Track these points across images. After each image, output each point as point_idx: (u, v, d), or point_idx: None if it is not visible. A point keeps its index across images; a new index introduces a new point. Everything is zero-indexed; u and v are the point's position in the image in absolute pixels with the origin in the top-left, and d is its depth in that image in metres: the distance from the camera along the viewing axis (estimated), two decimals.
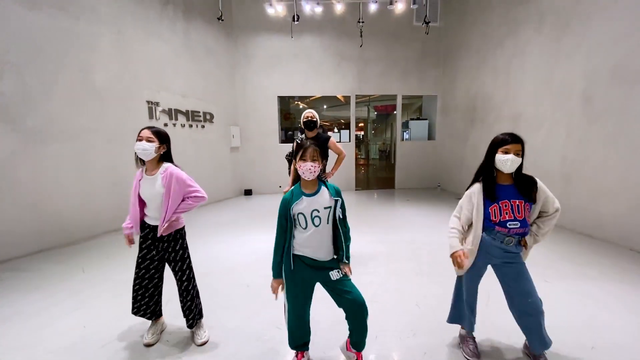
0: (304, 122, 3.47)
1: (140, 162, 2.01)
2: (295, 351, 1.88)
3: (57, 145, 4.13)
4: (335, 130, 9.87)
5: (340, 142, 8.35)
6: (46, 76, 3.99)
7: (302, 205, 1.64)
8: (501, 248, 1.76)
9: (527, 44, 5.30)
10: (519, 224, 1.71)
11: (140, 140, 1.91)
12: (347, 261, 1.74)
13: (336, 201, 1.68)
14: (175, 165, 2.04)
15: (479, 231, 1.78)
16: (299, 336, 1.82)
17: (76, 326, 2.34)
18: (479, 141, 6.67)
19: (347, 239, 1.74)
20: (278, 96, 7.93)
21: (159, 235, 1.97)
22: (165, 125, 5.67)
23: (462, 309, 1.97)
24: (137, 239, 2.12)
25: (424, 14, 6.78)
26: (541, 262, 3.34)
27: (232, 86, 7.60)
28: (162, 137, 1.99)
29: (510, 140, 1.69)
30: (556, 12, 4.71)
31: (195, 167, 6.10)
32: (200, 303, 2.19)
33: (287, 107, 12.31)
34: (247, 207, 6.66)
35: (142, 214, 2.06)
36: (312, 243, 1.68)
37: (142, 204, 2.03)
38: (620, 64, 3.84)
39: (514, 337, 2.04)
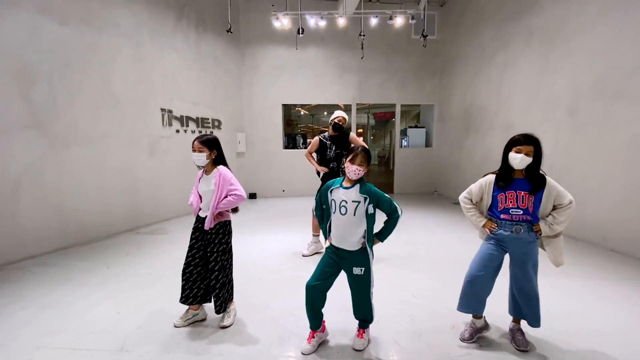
0: (334, 122, 3.75)
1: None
2: (310, 330, 2.13)
3: (79, 150, 4.43)
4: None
5: None
6: (72, 86, 4.31)
7: (337, 194, 1.98)
8: (515, 239, 1.98)
9: (517, 58, 5.67)
10: (522, 212, 1.95)
11: (194, 151, 2.29)
12: (379, 238, 2.02)
13: (365, 198, 1.92)
14: (227, 167, 2.38)
15: (484, 210, 2.12)
16: (312, 312, 2.06)
17: (110, 312, 2.62)
18: (474, 148, 7.02)
19: (393, 216, 2.00)
20: (282, 104, 8.28)
21: (206, 228, 2.28)
22: (177, 131, 5.99)
23: (465, 291, 2.12)
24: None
25: (421, 28, 7.16)
26: None
27: (239, 94, 7.95)
28: (211, 144, 2.33)
29: (523, 142, 1.92)
30: (544, 30, 5.09)
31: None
32: (227, 293, 2.39)
33: (288, 113, 12.69)
34: (252, 209, 6.96)
35: (198, 207, 2.40)
36: (338, 229, 1.99)
37: (199, 199, 2.39)
38: (601, 79, 4.20)
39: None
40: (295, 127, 14.50)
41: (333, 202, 2.00)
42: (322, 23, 7.22)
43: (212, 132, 6.92)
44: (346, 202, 1.95)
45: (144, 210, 5.40)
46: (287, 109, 10.17)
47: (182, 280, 2.38)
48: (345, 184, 2.01)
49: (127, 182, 5.13)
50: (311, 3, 7.69)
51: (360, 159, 1.93)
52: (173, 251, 4.08)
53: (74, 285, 3.14)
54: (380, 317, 2.49)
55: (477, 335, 2.20)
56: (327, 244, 2.11)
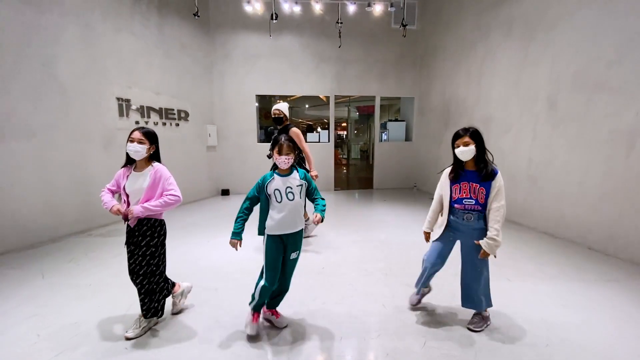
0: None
1: (129, 161, 2.18)
2: (253, 312, 2.19)
3: (15, 143, 3.91)
4: (319, 129, 9.88)
5: (320, 142, 8.36)
6: (5, 69, 3.77)
7: (277, 183, 2.06)
8: (466, 226, 2.14)
9: (497, 49, 5.48)
10: (474, 202, 2.10)
11: (132, 141, 2.09)
12: (320, 213, 2.13)
13: (305, 183, 2.13)
14: (162, 164, 2.23)
15: (446, 203, 2.22)
16: (262, 298, 2.16)
17: (29, 334, 2.23)
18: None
19: (322, 200, 2.20)
20: (256, 95, 7.84)
21: (126, 222, 2.11)
22: (137, 122, 5.49)
23: (423, 271, 2.38)
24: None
25: (401, 17, 6.87)
26: (505, 262, 3.47)
27: (209, 84, 7.45)
28: (152, 138, 2.18)
29: (462, 134, 2.09)
30: (524, 20, 4.89)
31: (168, 166, 5.90)
32: (151, 303, 2.20)
33: (268, 106, 12.22)
34: (223, 207, 6.55)
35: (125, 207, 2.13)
36: (287, 215, 2.04)
37: (126, 198, 2.15)
38: (580, 72, 4.03)
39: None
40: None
41: (277, 191, 2.05)
42: (297, 8, 6.83)
43: (177, 125, 6.45)
44: (291, 188, 2.07)
45: (98, 210, 4.90)
46: (266, 101, 9.72)
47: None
48: (280, 172, 2.11)
49: (77, 179, 4.63)
50: None
51: (286, 149, 2.05)
52: (123, 255, 3.65)
53: None
54: (344, 333, 2.21)
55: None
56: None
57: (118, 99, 5.16)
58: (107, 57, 4.99)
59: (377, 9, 6.77)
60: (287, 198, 2.05)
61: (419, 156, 8.42)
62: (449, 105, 6.97)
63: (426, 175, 8.10)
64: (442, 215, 2.29)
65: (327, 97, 8.32)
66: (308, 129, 11.60)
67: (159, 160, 2.25)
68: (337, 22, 7.07)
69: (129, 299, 2.63)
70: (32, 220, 4.10)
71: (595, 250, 3.83)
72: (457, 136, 2.11)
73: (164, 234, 2.24)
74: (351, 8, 6.87)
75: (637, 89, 3.43)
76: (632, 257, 3.46)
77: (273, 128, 8.49)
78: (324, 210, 2.14)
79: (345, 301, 2.68)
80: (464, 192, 2.12)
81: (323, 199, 2.21)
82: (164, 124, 6.07)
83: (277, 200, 2.05)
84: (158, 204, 2.07)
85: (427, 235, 2.39)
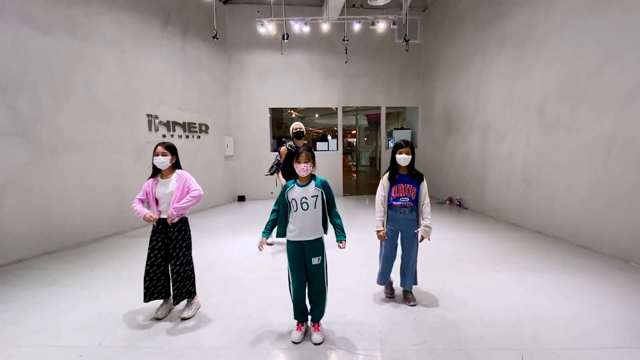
0: (293, 132, 4.36)
1: (155, 171, 2.60)
2: (296, 322, 2.32)
3: (65, 156, 4.54)
4: (330, 137, 10.39)
5: (329, 150, 8.86)
6: (57, 93, 4.42)
7: (295, 193, 2.21)
8: (403, 217, 2.69)
9: (492, 62, 5.89)
10: (408, 199, 2.68)
11: (157, 155, 2.52)
12: (341, 239, 2.28)
13: (321, 192, 2.22)
14: (183, 170, 2.68)
15: (386, 201, 2.71)
16: (301, 305, 2.30)
17: (92, 311, 2.74)
18: (455, 149, 7.22)
19: (337, 219, 2.29)
20: (269, 108, 8.43)
21: (169, 222, 2.49)
22: (164, 136, 6.11)
23: (382, 268, 2.82)
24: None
25: (404, 32, 7.36)
26: (498, 257, 3.84)
27: (226, 99, 8.09)
28: (172, 150, 2.60)
29: (403, 145, 2.65)
30: (515, 36, 5.31)
31: (191, 174, 6.54)
32: (191, 285, 2.63)
33: (279, 116, 12.83)
34: (240, 212, 7.08)
35: (156, 212, 2.59)
36: (300, 223, 2.19)
37: (156, 203, 2.58)
38: (565, 83, 4.41)
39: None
40: (287, 130, 14.65)
41: (294, 201, 2.21)
42: (307, 29, 7.40)
43: (199, 137, 7.06)
44: (306, 198, 2.19)
45: (131, 215, 5.48)
46: (278, 111, 10.33)
47: (145, 281, 2.56)
48: (300, 182, 2.25)
49: (113, 187, 5.23)
50: (295, 9, 7.87)
51: (304, 158, 2.19)
52: None
53: (58, 287, 3.25)
54: (347, 312, 2.64)
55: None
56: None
57: (148, 115, 5.80)
58: (139, 78, 5.64)
59: (381, 26, 7.27)
60: (302, 208, 2.18)
61: (424, 162, 8.78)
62: (451, 114, 7.37)
63: (430, 180, 8.43)
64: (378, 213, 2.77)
65: (336, 107, 8.84)
66: (322, 137, 12.12)
67: (179, 168, 2.68)
68: (344, 40, 7.61)
69: None
70: (77, 223, 4.69)
71: (584, 247, 4.14)
72: (399, 146, 2.66)
73: (190, 229, 2.71)
74: (356, 26, 7.40)
75: (613, 100, 3.79)
76: (616, 252, 3.77)
77: (284, 140, 9.06)
78: (342, 233, 2.28)
79: (351, 287, 3.11)
80: (401, 192, 2.68)
81: (339, 217, 2.30)
82: (187, 136, 6.69)
83: (293, 209, 2.21)
84: (185, 201, 2.51)
85: (384, 233, 2.72)
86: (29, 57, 4.11)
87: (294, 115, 14.20)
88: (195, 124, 6.92)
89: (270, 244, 4.40)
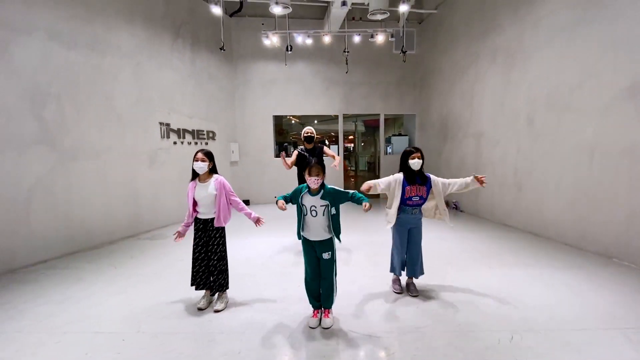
0: (304, 136, 4.54)
1: (195, 175, 2.86)
2: (312, 309, 2.61)
3: (85, 163, 4.82)
4: (327, 143, 10.76)
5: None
6: (79, 104, 4.72)
7: (307, 200, 2.46)
8: (412, 217, 3.02)
9: (485, 74, 6.28)
10: (419, 197, 3.00)
11: (197, 160, 2.80)
12: (364, 201, 2.48)
13: (327, 204, 2.45)
14: (221, 176, 2.94)
15: (397, 201, 2.97)
16: (314, 292, 2.58)
17: (123, 303, 3.02)
18: (451, 154, 7.58)
19: (356, 194, 2.52)
20: (273, 115, 8.77)
21: (220, 225, 2.84)
22: (175, 143, 6.41)
23: (395, 262, 3.13)
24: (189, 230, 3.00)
25: (401, 44, 7.76)
26: (491, 255, 4.17)
27: (232, 107, 8.43)
28: (210, 156, 2.87)
29: (414, 152, 2.98)
30: (505, 49, 5.70)
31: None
32: (224, 279, 2.93)
33: (279, 122, 13.18)
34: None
35: (195, 212, 2.89)
36: (311, 227, 2.48)
37: (194, 205, 2.87)
38: (551, 95, 4.79)
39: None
40: (287, 135, 15.01)
41: (304, 206, 2.48)
42: (309, 41, 7.78)
43: (207, 143, 7.36)
44: (315, 207, 2.45)
45: (144, 218, 5.78)
46: (279, 118, 10.66)
47: (194, 267, 2.90)
48: (311, 191, 2.48)
49: (129, 192, 5.51)
50: (299, 22, 8.26)
51: (315, 171, 2.40)
52: (173, 253, 4.47)
53: (86, 284, 3.51)
54: (358, 305, 2.94)
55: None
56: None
57: (160, 123, 6.10)
58: (152, 89, 5.96)
59: (380, 38, 7.67)
60: (311, 215, 2.44)
61: None
62: (447, 122, 7.75)
63: None
64: (390, 209, 3.05)
65: (336, 115, 9.20)
66: (321, 143, 12.48)
67: (216, 172, 2.94)
68: (344, 51, 8.00)
69: (184, 283, 3.38)
70: (96, 226, 4.96)
71: (570, 246, 4.48)
72: (410, 152, 2.98)
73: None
74: (356, 38, 7.80)
75: (593, 110, 4.16)
76: (598, 249, 4.11)
77: (286, 146, 9.40)
78: (365, 198, 2.47)
79: (358, 281, 3.41)
80: (414, 192, 2.98)
81: (358, 194, 2.52)
82: (196, 143, 6.99)
83: (304, 214, 2.49)
84: (244, 208, 2.95)
85: (367, 186, 2.99)
86: (55, 70, 4.41)
87: (293, 122, 14.56)
88: (203, 131, 7.23)
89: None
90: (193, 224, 2.93)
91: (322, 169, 2.42)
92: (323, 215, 2.45)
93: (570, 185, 4.51)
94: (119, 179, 5.35)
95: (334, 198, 2.47)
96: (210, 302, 2.95)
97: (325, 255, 2.50)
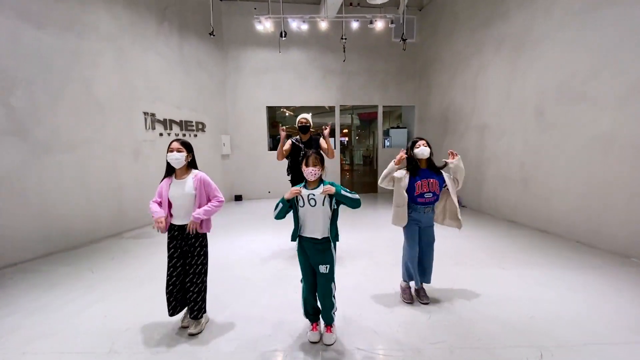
0: (299, 125, 3.93)
1: (169, 170, 2.37)
2: (310, 322, 2.32)
3: (61, 155, 4.40)
4: (334, 126, 10.37)
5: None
6: (53, 91, 4.28)
7: (302, 194, 2.13)
8: (425, 216, 2.69)
9: (489, 64, 5.97)
10: (432, 195, 2.65)
11: (172, 151, 2.29)
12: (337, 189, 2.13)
13: (330, 196, 2.11)
14: (201, 171, 2.43)
15: (406, 197, 2.64)
16: (310, 307, 2.27)
17: (98, 315, 2.68)
18: (452, 148, 7.24)
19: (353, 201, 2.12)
20: (267, 106, 8.35)
21: (191, 233, 2.29)
22: (161, 134, 5.99)
23: (411, 268, 2.76)
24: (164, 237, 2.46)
25: (401, 31, 7.39)
26: (502, 254, 3.91)
27: (223, 97, 7.98)
28: (188, 147, 2.38)
29: (418, 139, 2.70)
30: (512, 38, 5.39)
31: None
32: (202, 302, 2.40)
33: (273, 115, 12.75)
34: (238, 211, 7.01)
35: (168, 216, 2.34)
36: (307, 219, 2.15)
37: (168, 206, 2.34)
38: (563, 84, 4.51)
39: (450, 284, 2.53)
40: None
41: (300, 198, 2.15)
42: (305, 26, 7.34)
43: (196, 135, 6.94)
44: (314, 195, 2.13)
45: (128, 215, 5.39)
46: (272, 110, 10.24)
47: (167, 294, 2.36)
48: (308, 186, 2.17)
49: (111, 187, 5.11)
50: (293, 7, 7.82)
51: (312, 161, 2.11)
52: (159, 254, 4.12)
53: (61, 291, 3.16)
54: (362, 311, 2.65)
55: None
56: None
57: (145, 113, 5.66)
58: (136, 76, 5.51)
59: (379, 25, 7.28)
60: (309, 204, 2.12)
61: None
62: (447, 114, 7.45)
63: None
64: (399, 207, 2.67)
65: (330, 105, 8.83)
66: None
67: (196, 167, 2.43)
68: (342, 38, 7.59)
69: None
70: (75, 224, 4.56)
71: (583, 244, 4.25)
72: (415, 142, 2.69)
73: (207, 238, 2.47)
74: (354, 25, 7.39)
75: (609, 101, 3.89)
76: (615, 248, 3.89)
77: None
78: (346, 194, 2.10)
79: (360, 285, 3.12)
80: (425, 187, 2.63)
81: (358, 197, 2.16)
82: (184, 135, 6.56)
83: (300, 205, 2.15)
84: (213, 205, 2.31)
85: (400, 157, 2.68)
86: (24, 52, 3.96)
87: (287, 114, 14.13)
88: (192, 122, 6.80)
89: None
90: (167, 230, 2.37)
91: (320, 159, 2.15)
92: (323, 205, 2.12)
93: (583, 179, 4.26)
94: (100, 174, 4.93)
95: (335, 194, 2.14)
96: (202, 325, 2.45)
97: (322, 269, 2.16)
